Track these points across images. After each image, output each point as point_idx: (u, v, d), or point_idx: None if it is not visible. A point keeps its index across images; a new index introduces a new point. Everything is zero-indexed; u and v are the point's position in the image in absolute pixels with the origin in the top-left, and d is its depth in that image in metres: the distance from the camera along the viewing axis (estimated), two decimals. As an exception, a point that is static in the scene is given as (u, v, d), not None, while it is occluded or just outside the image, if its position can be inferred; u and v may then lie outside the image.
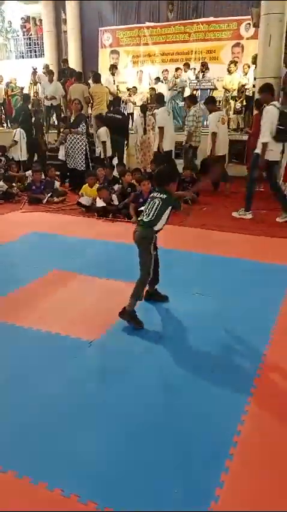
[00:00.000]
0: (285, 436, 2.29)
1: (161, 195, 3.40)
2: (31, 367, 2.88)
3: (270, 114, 5.87)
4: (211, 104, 8.14)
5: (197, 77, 11.28)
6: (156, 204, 3.36)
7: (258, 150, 6.05)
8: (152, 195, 3.50)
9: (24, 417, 2.41)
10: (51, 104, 11.25)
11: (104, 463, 2.10)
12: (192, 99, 8.63)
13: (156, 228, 3.40)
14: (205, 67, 11.08)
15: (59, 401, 2.54)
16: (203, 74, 11.03)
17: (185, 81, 11.25)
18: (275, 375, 2.80)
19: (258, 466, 2.10)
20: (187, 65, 11.96)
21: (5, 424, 2.37)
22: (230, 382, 2.71)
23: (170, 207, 3.39)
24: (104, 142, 8.47)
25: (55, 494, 1.93)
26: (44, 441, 2.24)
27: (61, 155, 8.28)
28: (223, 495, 1.92)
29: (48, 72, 11.61)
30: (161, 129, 8.05)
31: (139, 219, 3.55)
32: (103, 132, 8.39)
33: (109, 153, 8.59)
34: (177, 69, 11.69)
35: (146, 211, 3.42)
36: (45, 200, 7.50)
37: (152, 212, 3.35)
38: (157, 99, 8.68)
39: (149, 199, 3.48)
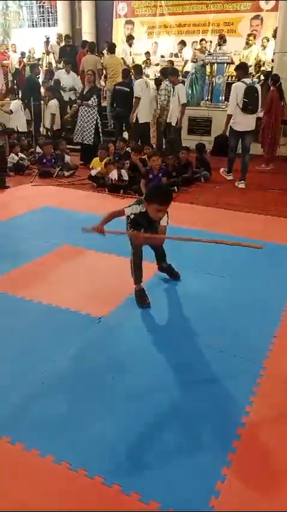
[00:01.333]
0: (293, 418, 2.28)
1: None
2: (40, 341, 2.89)
3: (235, 88, 6.68)
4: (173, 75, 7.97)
5: (209, 51, 10.90)
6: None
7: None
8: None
9: (31, 389, 2.42)
10: (70, 98, 9.85)
11: (111, 439, 2.11)
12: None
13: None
14: (222, 40, 10.71)
15: (67, 377, 2.55)
16: (220, 47, 10.68)
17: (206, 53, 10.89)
18: (283, 357, 2.78)
19: (265, 447, 2.10)
20: (182, 43, 11.70)
21: (13, 396, 2.38)
22: (239, 363, 2.70)
23: None
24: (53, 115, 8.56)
25: (62, 467, 1.94)
26: (51, 415, 2.25)
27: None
28: (229, 475, 1.93)
29: (65, 62, 10.28)
30: (137, 99, 7.94)
31: None
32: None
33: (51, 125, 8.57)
34: (201, 40, 11.36)
35: None
36: (55, 174, 7.43)
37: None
38: (135, 71, 8.54)
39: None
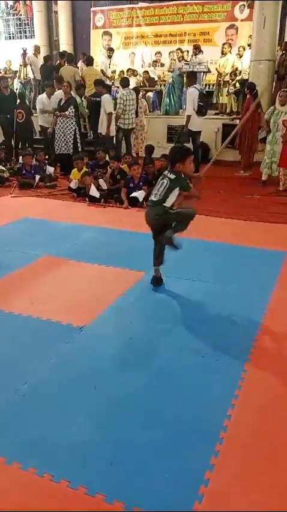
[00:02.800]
0: (275, 420, 2.30)
1: (171, 174, 3.45)
2: (21, 352, 2.86)
3: (192, 93, 7.65)
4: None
5: (185, 60, 11.06)
6: (164, 184, 3.44)
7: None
8: (164, 173, 3.54)
9: (13, 401, 2.39)
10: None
11: (94, 447, 2.10)
12: (122, 82, 8.66)
13: (166, 204, 3.45)
14: (197, 49, 10.90)
15: (49, 388, 2.53)
16: (196, 57, 10.85)
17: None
18: (265, 359, 2.81)
19: (248, 450, 2.11)
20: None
21: (-5, 409, 2.35)
22: (221, 366, 2.71)
23: (178, 187, 3.44)
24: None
25: (45, 479, 1.92)
26: (33, 425, 2.23)
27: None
28: (212, 478, 1.93)
29: (46, 85, 9.50)
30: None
31: (149, 198, 3.62)
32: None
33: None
34: (178, 49, 11.53)
35: (155, 190, 3.51)
36: (35, 184, 7.41)
37: (160, 192, 3.45)
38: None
39: (160, 178, 3.54)
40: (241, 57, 10.80)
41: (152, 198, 3.51)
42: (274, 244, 4.71)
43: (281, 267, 4.13)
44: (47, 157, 8.41)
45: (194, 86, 7.75)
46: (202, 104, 7.60)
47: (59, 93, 8.49)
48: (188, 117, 7.75)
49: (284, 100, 7.12)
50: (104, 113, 8.02)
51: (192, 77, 8.00)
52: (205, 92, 7.93)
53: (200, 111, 7.65)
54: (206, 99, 7.81)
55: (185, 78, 10.37)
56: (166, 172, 3.52)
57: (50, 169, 7.93)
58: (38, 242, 4.83)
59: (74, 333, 3.08)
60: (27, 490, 1.89)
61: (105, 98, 7.96)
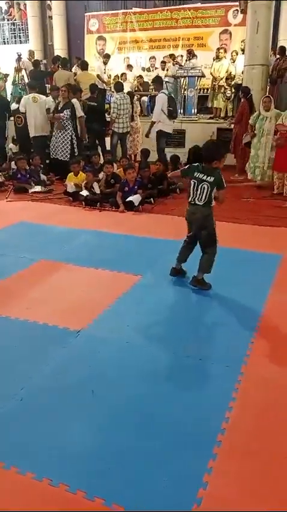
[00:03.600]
0: (272, 423, 2.31)
1: (209, 178, 3.54)
2: (18, 357, 2.86)
3: (161, 98, 7.80)
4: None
5: (179, 65, 11.12)
6: (205, 190, 3.57)
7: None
8: (197, 175, 3.60)
9: (10, 406, 2.39)
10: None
11: (92, 452, 2.10)
12: (117, 87, 8.82)
13: (212, 204, 3.65)
14: (191, 54, 10.97)
15: (47, 390, 2.53)
16: (189, 61, 10.91)
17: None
18: (262, 362, 2.82)
19: (245, 453, 2.12)
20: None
21: (-8, 414, 2.35)
22: (218, 370, 2.73)
23: (215, 187, 3.59)
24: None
25: (43, 484, 1.92)
26: (31, 430, 2.23)
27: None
28: (211, 481, 1.94)
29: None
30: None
31: (190, 201, 3.72)
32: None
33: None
34: (171, 55, 11.60)
35: (196, 195, 3.63)
36: (32, 190, 7.39)
37: (203, 197, 3.60)
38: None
39: (194, 181, 3.62)
40: (234, 61, 10.87)
41: (196, 201, 3.64)
42: (270, 247, 4.74)
43: (276, 270, 4.15)
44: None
45: (163, 91, 7.97)
46: (171, 108, 7.83)
47: (48, 100, 8.55)
48: (152, 123, 7.91)
49: (267, 106, 7.20)
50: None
51: (159, 83, 8.20)
52: (173, 96, 8.29)
53: (171, 115, 7.88)
54: (174, 102, 8.12)
55: (181, 82, 10.49)
56: (200, 175, 3.58)
57: (43, 177, 7.91)
58: (34, 246, 4.82)
59: (71, 337, 3.08)
60: (26, 494, 1.89)
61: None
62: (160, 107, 7.76)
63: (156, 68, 12.66)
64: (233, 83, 10.40)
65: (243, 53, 10.35)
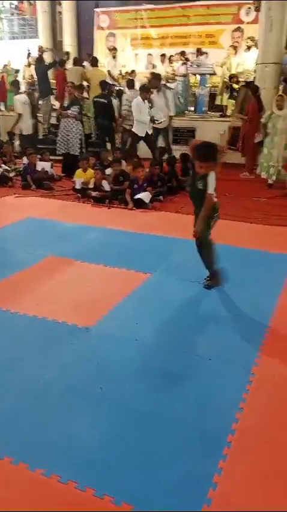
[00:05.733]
0: (283, 423, 2.29)
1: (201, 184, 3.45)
2: (27, 353, 2.85)
3: (170, 94, 8.00)
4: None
5: (186, 60, 11.04)
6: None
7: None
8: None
9: (19, 402, 2.39)
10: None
11: (102, 449, 2.09)
12: (128, 84, 8.92)
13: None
14: (199, 52, 10.92)
15: (56, 386, 2.52)
16: (197, 58, 10.86)
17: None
18: (273, 363, 2.79)
19: (255, 453, 2.10)
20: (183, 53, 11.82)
21: (1, 409, 2.34)
22: (229, 369, 2.70)
23: None
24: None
25: (52, 480, 1.92)
26: (40, 426, 2.22)
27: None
28: (220, 482, 1.92)
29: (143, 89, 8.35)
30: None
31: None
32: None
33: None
34: (183, 52, 11.52)
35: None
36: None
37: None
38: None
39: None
40: (249, 48, 10.63)
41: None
42: (281, 247, 4.69)
43: (287, 271, 4.11)
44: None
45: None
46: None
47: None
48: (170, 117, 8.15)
49: (280, 105, 7.14)
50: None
51: (157, 80, 8.20)
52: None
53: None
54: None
55: (191, 79, 10.42)
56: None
57: (44, 165, 7.78)
58: (42, 242, 4.82)
59: (80, 333, 3.06)
60: (35, 490, 1.89)
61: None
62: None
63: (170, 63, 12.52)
64: (242, 80, 10.27)
65: (249, 50, 10.29)
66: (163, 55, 12.14)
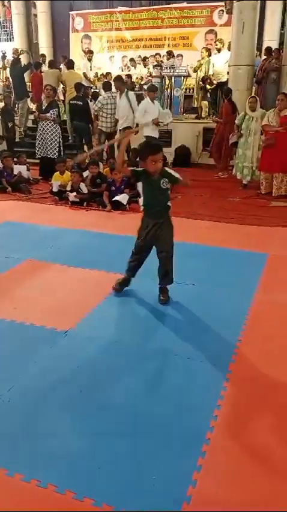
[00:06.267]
0: (259, 419, 2.33)
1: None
2: (5, 358, 2.83)
3: (133, 97, 7.90)
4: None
5: (159, 65, 11.13)
6: None
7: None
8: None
9: (-1, 409, 2.38)
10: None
11: (81, 452, 2.09)
12: (104, 86, 8.92)
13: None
14: (170, 55, 11.02)
15: (34, 392, 2.51)
16: (168, 60, 10.95)
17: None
18: (249, 360, 2.84)
19: (234, 450, 2.13)
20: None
21: (-20, 416, 2.32)
22: (207, 367, 2.74)
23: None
24: None
25: (31, 485, 1.91)
26: (18, 431, 2.21)
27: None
28: (200, 479, 1.95)
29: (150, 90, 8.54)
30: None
31: None
32: None
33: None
34: (156, 54, 11.62)
35: None
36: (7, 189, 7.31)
37: None
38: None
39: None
40: (219, 50, 10.78)
41: None
42: (256, 246, 4.78)
43: (263, 269, 4.19)
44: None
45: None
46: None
47: None
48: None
49: (253, 106, 7.27)
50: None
51: (121, 82, 8.39)
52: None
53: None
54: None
55: (166, 82, 10.49)
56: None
57: (20, 168, 7.72)
58: (20, 246, 4.78)
59: (59, 337, 3.06)
60: (14, 495, 1.88)
61: None
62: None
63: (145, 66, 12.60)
64: (215, 82, 10.38)
65: (219, 52, 10.41)
66: (145, 58, 12.20)
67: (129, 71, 12.72)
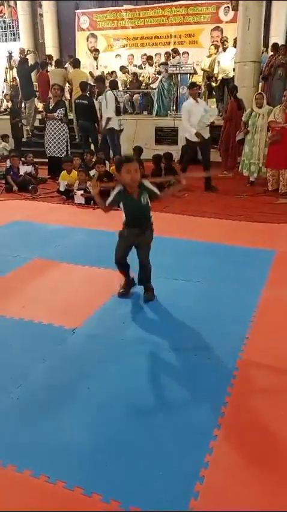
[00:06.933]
0: (266, 417, 2.33)
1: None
2: (13, 355, 2.86)
3: (110, 97, 8.14)
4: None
5: (165, 63, 11.08)
6: None
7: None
8: None
9: (6, 405, 2.39)
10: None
11: (90, 448, 2.11)
12: (111, 84, 8.85)
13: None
14: (176, 53, 10.98)
15: (42, 390, 2.53)
16: (173, 58, 10.91)
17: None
18: (256, 356, 2.83)
19: (241, 446, 2.14)
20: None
21: (-11, 413, 2.35)
22: (214, 365, 2.74)
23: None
24: None
25: (41, 481, 1.93)
26: (27, 427, 2.23)
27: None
28: (207, 476, 1.95)
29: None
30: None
31: None
32: None
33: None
34: (166, 52, 11.55)
35: None
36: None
37: None
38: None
39: None
40: (225, 50, 10.71)
41: None
42: (263, 243, 4.76)
43: (270, 266, 4.17)
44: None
45: (111, 90, 8.31)
46: (119, 105, 8.33)
47: None
48: (108, 119, 8.20)
49: (260, 102, 7.23)
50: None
51: (102, 83, 8.72)
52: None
53: (118, 112, 8.30)
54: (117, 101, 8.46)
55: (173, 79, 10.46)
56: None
57: (27, 168, 7.74)
58: (28, 245, 4.81)
59: (66, 335, 3.08)
60: (24, 492, 1.90)
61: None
62: (111, 105, 8.08)
63: (151, 65, 12.55)
64: (220, 77, 10.33)
65: (224, 50, 10.35)
66: (150, 57, 12.16)
67: (139, 68, 12.65)
